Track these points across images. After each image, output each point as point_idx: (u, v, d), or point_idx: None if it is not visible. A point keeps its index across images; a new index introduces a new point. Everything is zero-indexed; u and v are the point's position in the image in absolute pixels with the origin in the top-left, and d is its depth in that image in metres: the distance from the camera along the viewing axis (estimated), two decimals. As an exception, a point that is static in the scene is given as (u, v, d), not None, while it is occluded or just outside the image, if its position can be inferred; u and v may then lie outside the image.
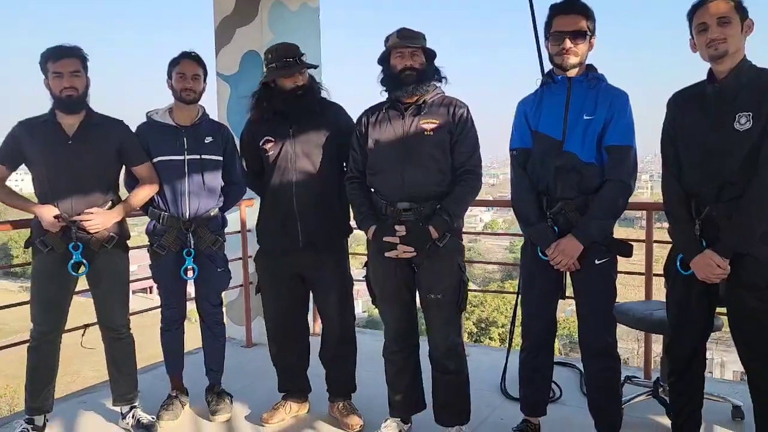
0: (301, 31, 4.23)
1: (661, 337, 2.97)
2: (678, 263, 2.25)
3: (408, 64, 2.47)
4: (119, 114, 2.84)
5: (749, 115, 2.03)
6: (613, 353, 2.47)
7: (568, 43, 2.33)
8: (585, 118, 2.35)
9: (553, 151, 2.38)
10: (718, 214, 2.11)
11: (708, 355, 2.45)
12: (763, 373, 2.17)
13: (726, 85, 2.10)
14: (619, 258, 2.48)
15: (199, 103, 2.97)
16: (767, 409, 2.19)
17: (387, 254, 2.51)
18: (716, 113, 2.11)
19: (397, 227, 2.48)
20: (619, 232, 2.64)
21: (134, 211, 2.87)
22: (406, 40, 2.48)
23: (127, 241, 2.86)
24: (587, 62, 2.43)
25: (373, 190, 2.63)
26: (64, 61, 2.58)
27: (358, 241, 3.05)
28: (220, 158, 2.97)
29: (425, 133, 2.48)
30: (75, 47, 2.64)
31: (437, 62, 2.57)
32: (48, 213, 2.60)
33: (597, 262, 2.38)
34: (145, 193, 2.82)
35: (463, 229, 2.72)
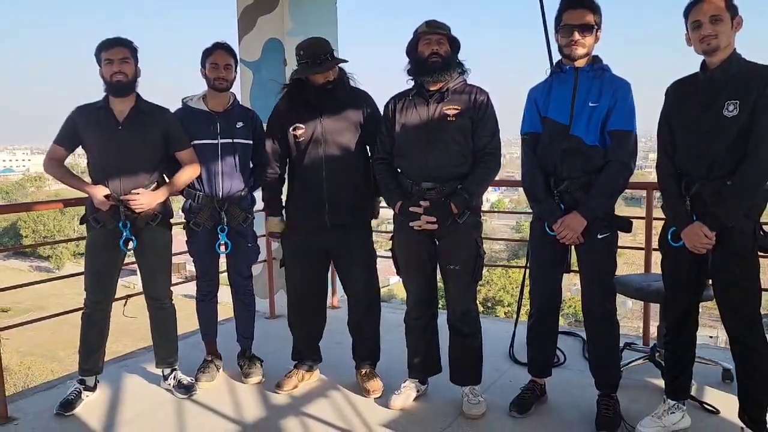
0: (319, 19, 4.43)
1: (659, 306, 3.22)
2: (669, 236, 2.49)
3: (434, 49, 2.67)
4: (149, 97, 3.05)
5: (737, 103, 2.25)
6: (612, 318, 2.72)
7: (576, 35, 2.54)
8: (590, 104, 2.56)
9: (561, 134, 2.60)
10: (707, 191, 2.34)
11: (713, 332, 2.69)
12: (748, 333, 2.41)
13: (716, 75, 2.31)
14: (621, 234, 2.72)
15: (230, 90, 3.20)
16: (750, 365, 2.42)
17: (411, 224, 2.74)
18: (707, 100, 2.33)
19: (421, 202, 2.71)
20: (627, 210, 2.87)
21: (177, 191, 3.09)
22: (433, 27, 2.68)
23: (170, 219, 3.11)
24: (593, 53, 2.63)
25: (399, 170, 2.86)
26: (114, 50, 2.81)
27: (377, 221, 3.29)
28: (251, 142, 3.20)
29: (448, 118, 2.70)
30: (125, 39, 2.86)
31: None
32: (99, 193, 2.85)
33: (599, 236, 2.61)
34: (188, 174, 3.05)
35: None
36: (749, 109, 2.23)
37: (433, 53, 2.68)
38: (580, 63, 2.60)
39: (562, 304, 2.88)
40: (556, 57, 2.73)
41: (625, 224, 2.66)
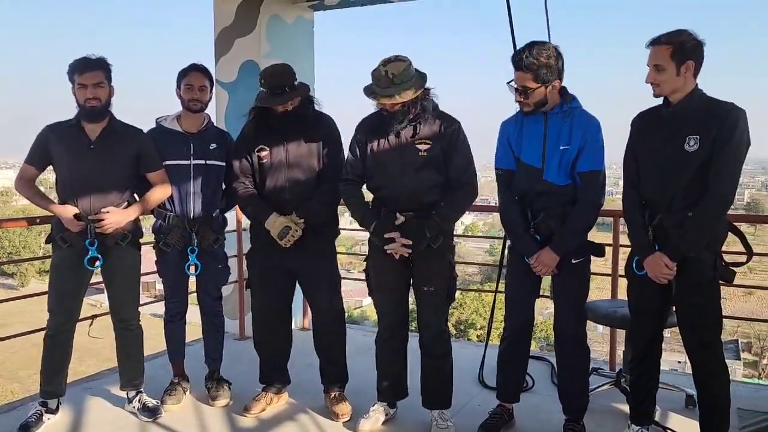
0: (296, 42, 4.49)
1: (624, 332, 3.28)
2: (633, 264, 2.55)
3: (383, 107, 2.68)
4: (127, 118, 3.03)
5: (697, 138, 2.33)
6: (582, 343, 2.77)
7: (517, 96, 2.62)
8: (561, 148, 2.62)
9: (534, 177, 2.67)
10: (669, 222, 2.41)
11: (681, 357, 2.76)
12: (712, 360, 2.48)
13: (678, 110, 2.40)
14: (594, 262, 2.79)
15: (205, 111, 3.20)
16: (712, 391, 2.50)
17: (386, 248, 2.74)
18: (669, 134, 2.41)
19: (398, 214, 2.72)
20: (598, 235, 2.96)
21: (148, 211, 3.06)
22: (383, 91, 2.60)
23: (140, 240, 3.08)
24: (563, 85, 2.64)
25: (373, 196, 2.88)
26: (87, 74, 2.77)
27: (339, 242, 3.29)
28: (224, 164, 3.19)
29: (419, 153, 2.71)
30: (99, 59, 2.82)
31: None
32: (68, 213, 2.81)
33: (573, 261, 2.67)
34: (158, 195, 3.03)
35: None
36: (708, 145, 2.31)
37: (384, 109, 2.69)
38: (547, 108, 2.63)
39: (534, 328, 2.93)
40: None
41: (598, 250, 2.76)
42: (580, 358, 2.79)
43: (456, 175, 2.75)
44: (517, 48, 2.67)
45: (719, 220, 2.39)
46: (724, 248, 2.50)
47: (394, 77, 2.59)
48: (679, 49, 2.32)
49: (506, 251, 2.99)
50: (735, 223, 2.57)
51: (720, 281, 2.45)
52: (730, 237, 2.54)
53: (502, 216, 2.81)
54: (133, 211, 2.95)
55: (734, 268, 2.48)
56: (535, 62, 2.52)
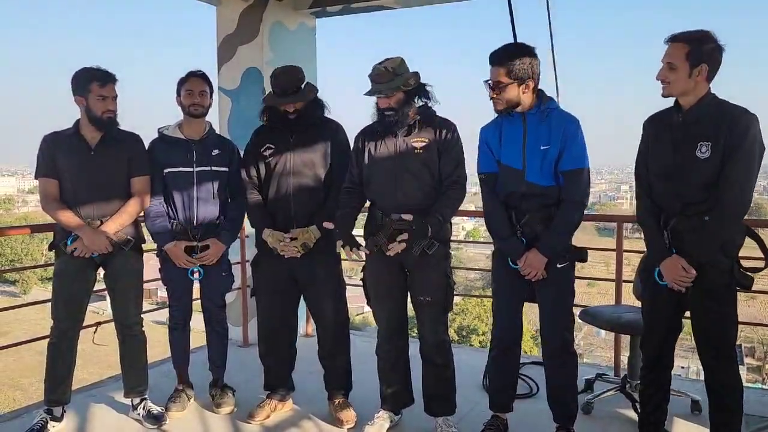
0: (298, 49, 4.50)
1: (629, 338, 3.27)
2: (656, 274, 2.48)
3: (387, 105, 2.72)
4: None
5: (709, 144, 2.28)
6: (569, 348, 2.73)
7: (490, 92, 2.60)
8: (541, 148, 2.60)
9: (517, 179, 2.65)
10: (683, 227, 2.37)
11: (684, 363, 2.70)
12: (725, 370, 2.43)
13: (689, 116, 2.34)
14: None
15: (206, 118, 3.21)
16: (722, 401, 2.45)
17: (388, 252, 2.69)
18: (681, 141, 2.36)
19: (399, 237, 2.68)
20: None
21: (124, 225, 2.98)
22: (377, 86, 2.70)
23: (142, 245, 3.09)
24: (540, 88, 2.65)
25: (371, 202, 2.89)
26: (109, 87, 2.85)
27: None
28: (227, 169, 3.20)
29: (415, 151, 2.74)
30: (113, 74, 2.89)
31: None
32: (101, 239, 2.84)
33: (558, 265, 2.65)
34: (132, 208, 2.99)
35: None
36: (720, 151, 2.27)
37: (388, 108, 2.73)
38: (525, 108, 2.62)
39: (535, 334, 2.91)
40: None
41: (582, 255, 2.71)
42: (566, 363, 2.74)
43: (446, 173, 2.76)
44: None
45: (733, 225, 2.34)
46: (741, 253, 2.42)
47: (394, 70, 2.70)
48: (696, 51, 2.27)
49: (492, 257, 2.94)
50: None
51: (738, 288, 2.39)
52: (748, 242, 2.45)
53: (487, 220, 2.78)
54: (110, 226, 2.90)
55: (752, 274, 2.41)
56: (510, 58, 2.55)
